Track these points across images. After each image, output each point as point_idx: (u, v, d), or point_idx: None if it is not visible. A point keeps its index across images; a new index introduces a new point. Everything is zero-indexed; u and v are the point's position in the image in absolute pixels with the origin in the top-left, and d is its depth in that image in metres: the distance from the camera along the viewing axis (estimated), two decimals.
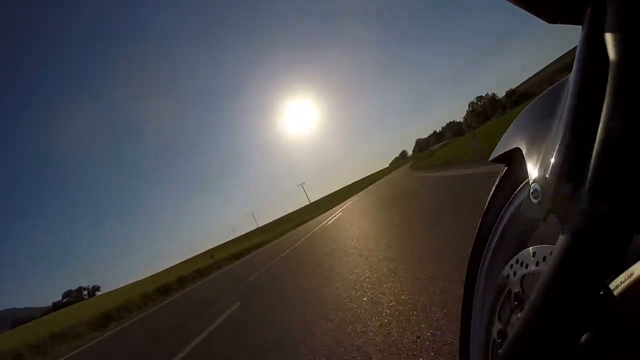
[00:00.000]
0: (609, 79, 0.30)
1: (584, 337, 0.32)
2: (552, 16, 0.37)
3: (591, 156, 0.31)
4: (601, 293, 0.33)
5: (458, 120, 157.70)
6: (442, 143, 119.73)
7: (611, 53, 0.30)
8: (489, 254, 0.61)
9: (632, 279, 0.31)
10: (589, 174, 0.31)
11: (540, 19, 0.38)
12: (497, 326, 0.53)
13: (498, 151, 0.57)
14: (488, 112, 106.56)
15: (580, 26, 0.35)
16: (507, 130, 0.57)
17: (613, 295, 0.32)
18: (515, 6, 0.38)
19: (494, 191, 0.60)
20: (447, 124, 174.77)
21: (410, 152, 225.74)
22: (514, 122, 0.55)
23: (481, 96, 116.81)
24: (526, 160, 0.45)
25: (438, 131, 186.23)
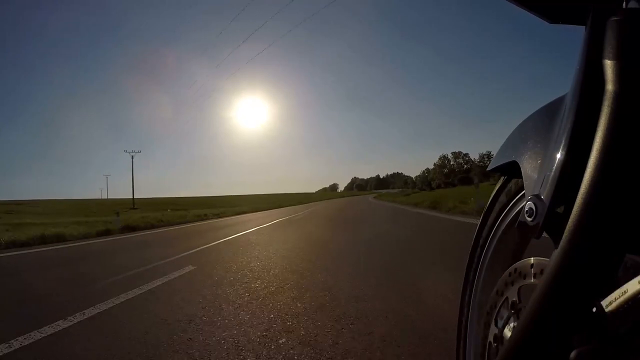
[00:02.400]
0: (604, 105, 0.31)
1: (573, 354, 0.33)
2: (553, 16, 0.38)
3: (584, 179, 0.32)
4: (593, 310, 0.34)
5: (406, 174, 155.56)
6: (399, 190, 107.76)
7: (609, 79, 0.31)
8: (488, 258, 0.62)
9: (625, 296, 0.32)
10: (582, 196, 0.32)
11: (541, 19, 0.39)
12: (493, 330, 0.53)
13: (496, 162, 0.59)
14: (472, 174, 71.83)
15: (580, 26, 0.36)
16: (505, 141, 0.58)
17: (605, 312, 0.33)
18: (517, 6, 0.39)
19: (491, 199, 0.61)
20: (393, 173, 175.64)
21: (342, 188, 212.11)
22: (512, 133, 0.56)
23: (460, 152, 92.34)
24: (522, 175, 0.47)
25: (382, 177, 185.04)
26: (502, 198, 0.59)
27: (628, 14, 0.31)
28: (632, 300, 0.32)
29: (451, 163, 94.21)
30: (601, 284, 0.33)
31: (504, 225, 0.59)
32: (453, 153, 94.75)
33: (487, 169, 0.62)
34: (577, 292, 0.33)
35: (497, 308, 0.52)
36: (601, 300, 0.34)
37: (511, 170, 0.55)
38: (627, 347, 0.32)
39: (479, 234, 0.64)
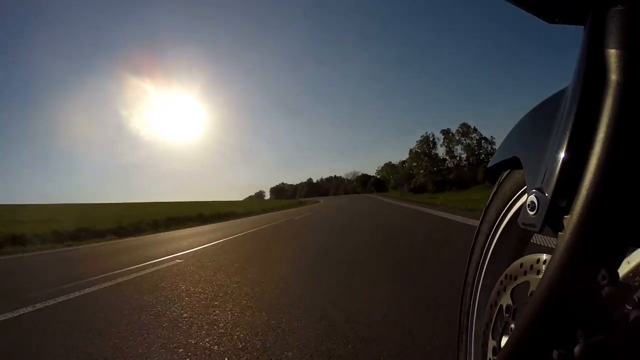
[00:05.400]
0: (608, 96, 0.31)
1: (577, 348, 0.33)
2: (552, 16, 0.38)
3: (587, 172, 0.31)
4: (596, 303, 0.33)
5: (338, 175, 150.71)
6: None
7: (611, 69, 0.31)
8: (488, 259, 0.61)
9: (628, 289, 0.32)
10: (585, 188, 0.31)
11: (539, 19, 0.39)
12: (491, 343, 0.52)
13: (497, 158, 0.58)
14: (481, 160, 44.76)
15: (579, 26, 0.35)
16: (506, 137, 0.58)
17: (608, 305, 0.33)
18: (515, 6, 0.39)
19: (492, 197, 0.61)
20: (329, 177, 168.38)
21: (267, 195, 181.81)
22: (513, 129, 0.56)
23: (465, 124, 49.99)
24: (524, 170, 0.46)
25: (315, 181, 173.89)
26: (503, 195, 0.58)
27: (631, 3, 0.31)
28: (635, 293, 0.33)
29: (433, 152, 52.98)
30: (604, 277, 0.32)
31: (505, 223, 0.58)
32: (443, 131, 52.55)
33: (487, 167, 0.61)
34: (580, 284, 0.33)
35: (493, 321, 0.51)
36: (604, 293, 0.33)
37: (513, 166, 0.54)
38: (630, 340, 0.32)
39: (479, 233, 0.63)
